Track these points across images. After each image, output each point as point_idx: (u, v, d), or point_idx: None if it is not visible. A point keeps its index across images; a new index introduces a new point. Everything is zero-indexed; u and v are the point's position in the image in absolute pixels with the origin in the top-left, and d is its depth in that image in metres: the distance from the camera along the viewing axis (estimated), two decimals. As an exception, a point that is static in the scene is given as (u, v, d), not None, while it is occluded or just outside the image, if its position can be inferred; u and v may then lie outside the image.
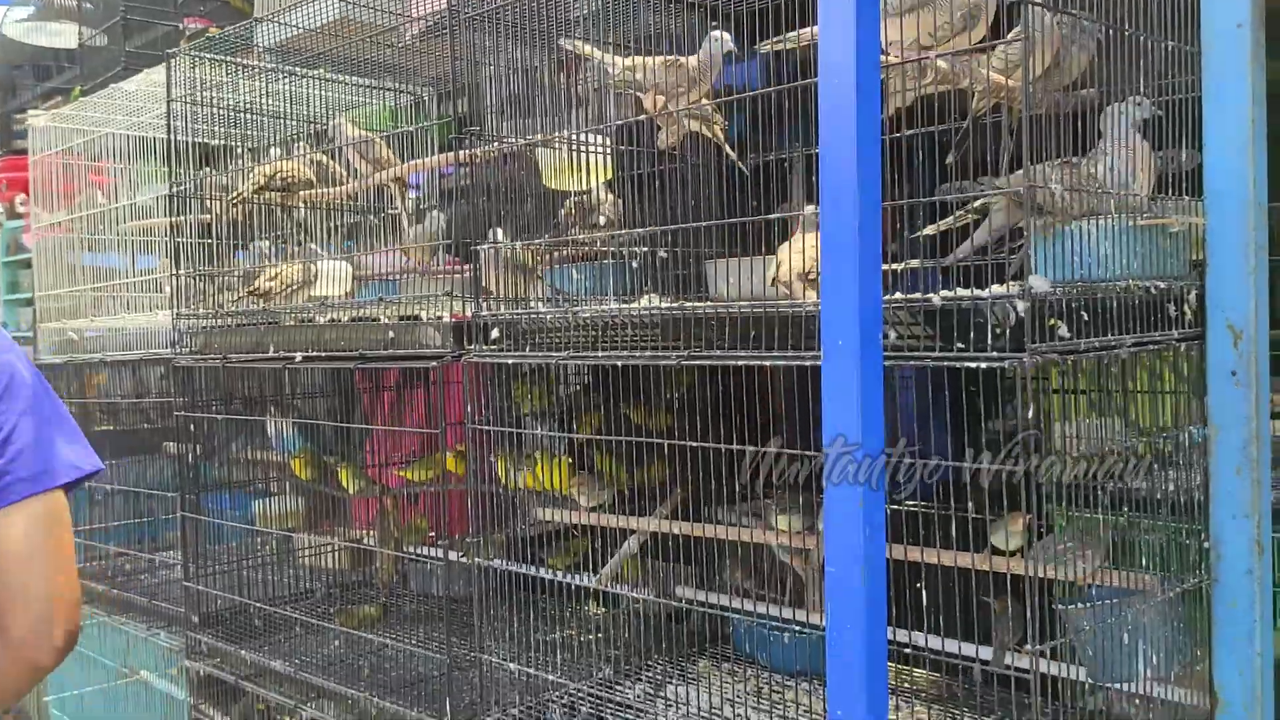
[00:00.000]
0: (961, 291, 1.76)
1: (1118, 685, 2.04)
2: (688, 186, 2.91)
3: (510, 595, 2.78)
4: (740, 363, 2.06)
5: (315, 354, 3.04)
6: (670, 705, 2.70)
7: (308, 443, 3.97)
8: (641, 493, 2.93)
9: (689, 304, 2.24)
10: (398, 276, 3.47)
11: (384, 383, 4.00)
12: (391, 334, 2.81)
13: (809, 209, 2.35)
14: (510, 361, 2.54)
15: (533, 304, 2.71)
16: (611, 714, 2.70)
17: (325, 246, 3.69)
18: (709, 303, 2.25)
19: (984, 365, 1.72)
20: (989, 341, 1.72)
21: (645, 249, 3.09)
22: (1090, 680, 2.07)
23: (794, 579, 2.82)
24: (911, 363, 1.80)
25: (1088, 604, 2.05)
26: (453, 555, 2.79)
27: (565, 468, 2.94)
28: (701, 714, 2.66)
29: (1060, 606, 2.07)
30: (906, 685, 2.80)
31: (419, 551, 3.55)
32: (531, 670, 2.70)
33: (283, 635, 3.66)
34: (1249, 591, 2.03)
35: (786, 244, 2.42)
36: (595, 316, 2.39)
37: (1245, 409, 2.02)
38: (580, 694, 2.79)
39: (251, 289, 3.47)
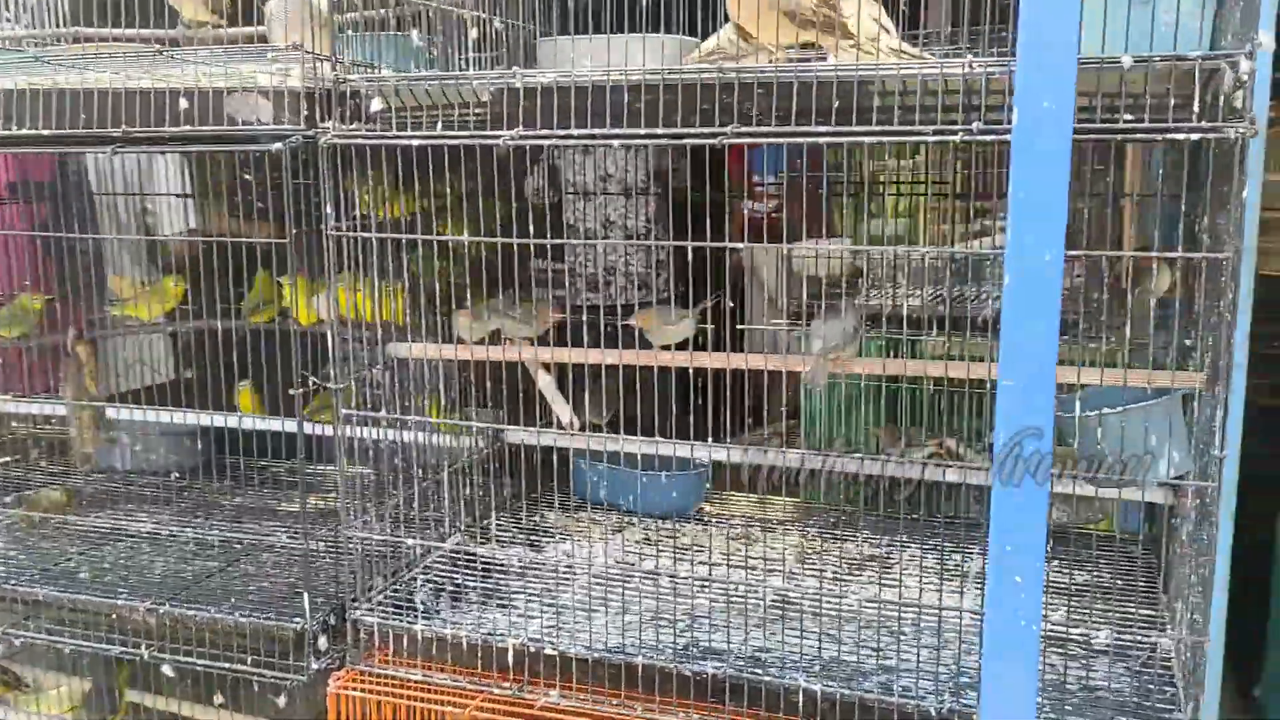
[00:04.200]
0: (1158, 51, 1.50)
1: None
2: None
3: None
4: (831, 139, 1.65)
5: (37, 134, 2.06)
6: (569, 564, 2.27)
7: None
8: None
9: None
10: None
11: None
12: (185, 104, 1.97)
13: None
14: (417, 144, 1.88)
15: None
16: (504, 582, 2.22)
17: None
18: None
19: (1194, 136, 1.49)
20: (1195, 111, 1.49)
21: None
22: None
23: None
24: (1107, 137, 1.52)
25: (1120, 407, 1.95)
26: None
27: (401, 296, 2.31)
28: (607, 571, 2.27)
29: (1087, 413, 1.95)
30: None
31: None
32: (410, 540, 2.12)
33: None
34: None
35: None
36: (555, 83, 1.81)
37: None
38: (453, 560, 2.27)
39: None
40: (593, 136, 1.78)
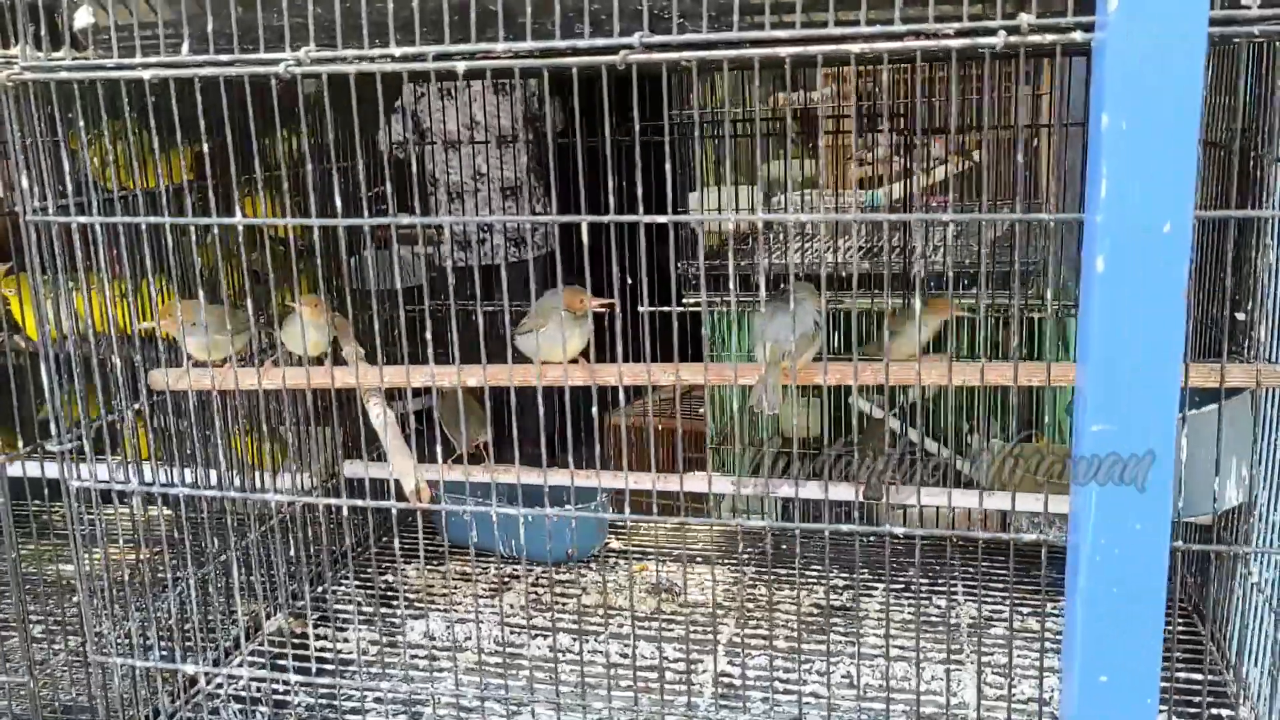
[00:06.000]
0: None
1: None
2: None
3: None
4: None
5: None
6: (431, 654, 1.66)
7: None
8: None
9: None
10: None
11: None
12: None
13: None
14: (149, 75, 1.21)
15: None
16: (343, 682, 1.60)
17: None
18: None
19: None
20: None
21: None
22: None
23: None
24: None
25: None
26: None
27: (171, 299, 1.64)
28: (493, 652, 1.67)
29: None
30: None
31: None
32: (191, 666, 1.48)
33: None
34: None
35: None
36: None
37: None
38: (273, 655, 1.64)
39: None
40: (421, 57, 1.14)
